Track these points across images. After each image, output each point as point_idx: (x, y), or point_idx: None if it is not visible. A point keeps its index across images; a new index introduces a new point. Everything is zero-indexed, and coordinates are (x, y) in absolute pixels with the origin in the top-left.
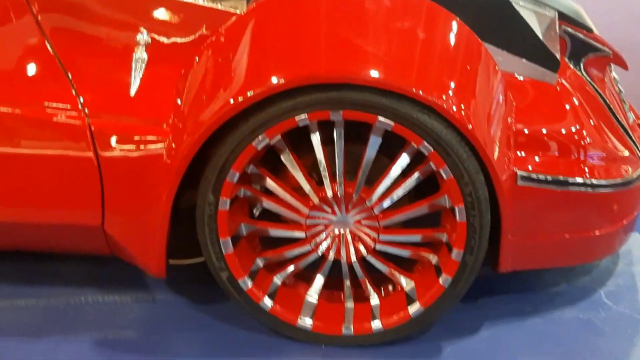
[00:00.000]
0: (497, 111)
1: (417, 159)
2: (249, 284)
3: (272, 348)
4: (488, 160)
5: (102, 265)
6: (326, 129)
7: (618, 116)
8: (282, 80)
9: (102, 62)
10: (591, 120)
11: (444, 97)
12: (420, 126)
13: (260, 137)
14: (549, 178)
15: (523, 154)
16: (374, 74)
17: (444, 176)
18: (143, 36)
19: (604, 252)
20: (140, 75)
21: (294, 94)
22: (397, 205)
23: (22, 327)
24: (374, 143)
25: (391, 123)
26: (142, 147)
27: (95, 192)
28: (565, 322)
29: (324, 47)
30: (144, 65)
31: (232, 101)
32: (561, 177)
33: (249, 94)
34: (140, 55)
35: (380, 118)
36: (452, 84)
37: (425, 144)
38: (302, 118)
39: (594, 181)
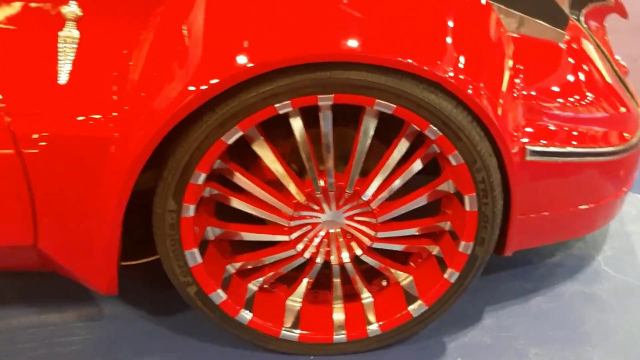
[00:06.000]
0: (507, 82)
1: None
2: (223, 296)
3: None
4: (502, 140)
5: (37, 276)
6: (306, 110)
7: (617, 70)
8: (251, 63)
9: (21, 44)
10: (598, 82)
11: (452, 70)
12: (426, 107)
13: (231, 131)
14: (559, 150)
15: (529, 124)
16: (372, 48)
17: (453, 162)
18: (72, 8)
19: (606, 219)
20: (72, 58)
21: (272, 77)
22: (392, 198)
23: None
24: (368, 128)
25: (392, 105)
26: (79, 146)
27: (24, 207)
28: (568, 299)
29: (306, 16)
30: (75, 45)
31: (192, 88)
32: (571, 148)
33: (213, 81)
34: (70, 32)
35: (379, 100)
36: (462, 57)
37: (432, 127)
38: (283, 105)
39: (608, 149)
